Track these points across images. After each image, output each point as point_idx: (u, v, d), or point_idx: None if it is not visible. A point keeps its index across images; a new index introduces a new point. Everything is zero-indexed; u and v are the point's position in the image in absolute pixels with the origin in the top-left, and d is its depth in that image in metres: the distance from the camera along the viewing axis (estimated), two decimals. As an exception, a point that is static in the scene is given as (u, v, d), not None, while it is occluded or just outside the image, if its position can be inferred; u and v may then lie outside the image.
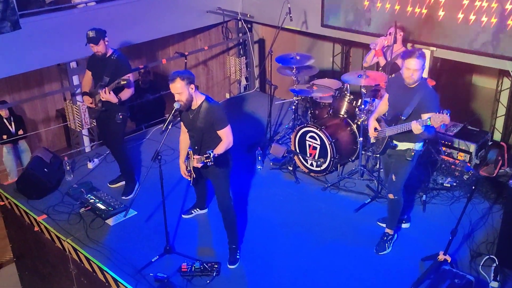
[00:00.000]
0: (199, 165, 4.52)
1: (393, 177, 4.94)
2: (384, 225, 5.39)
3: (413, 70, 4.52)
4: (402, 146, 4.80)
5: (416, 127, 4.44)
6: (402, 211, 5.29)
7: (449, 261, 4.69)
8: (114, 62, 5.63)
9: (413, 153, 4.77)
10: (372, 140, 5.13)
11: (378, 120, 4.98)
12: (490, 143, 6.58)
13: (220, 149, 4.59)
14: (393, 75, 5.33)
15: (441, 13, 6.58)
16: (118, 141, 5.98)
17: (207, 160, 4.39)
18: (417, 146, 4.80)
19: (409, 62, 4.52)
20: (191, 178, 4.92)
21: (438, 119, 4.28)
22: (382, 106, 5.07)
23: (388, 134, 4.79)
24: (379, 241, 5.15)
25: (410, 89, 4.65)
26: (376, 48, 6.22)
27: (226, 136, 4.68)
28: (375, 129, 4.94)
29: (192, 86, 4.56)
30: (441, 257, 4.69)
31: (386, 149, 4.90)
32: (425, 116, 4.45)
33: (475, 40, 6.41)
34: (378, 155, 5.62)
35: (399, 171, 4.91)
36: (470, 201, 4.71)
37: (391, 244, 5.15)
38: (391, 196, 5.01)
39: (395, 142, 4.82)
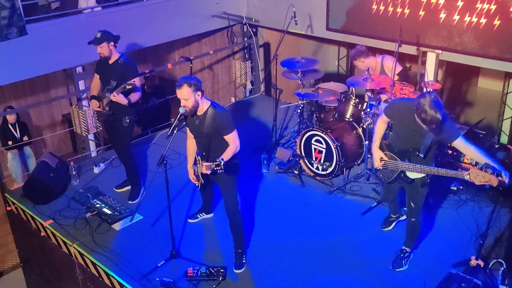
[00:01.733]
0: (208, 172, 4.52)
1: (412, 204, 4.77)
2: (389, 228, 5.40)
3: (437, 120, 4.05)
4: (415, 176, 4.57)
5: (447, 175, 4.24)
6: (401, 208, 5.34)
7: (482, 266, 4.62)
8: (121, 66, 5.65)
9: (428, 181, 4.55)
10: (377, 166, 4.80)
11: (381, 147, 4.72)
12: (496, 146, 6.55)
13: (228, 155, 4.60)
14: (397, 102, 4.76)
15: (442, 15, 6.56)
16: (125, 144, 6.00)
17: (218, 168, 4.38)
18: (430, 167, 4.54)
19: (432, 114, 4.01)
20: (199, 183, 4.92)
21: (483, 179, 3.92)
22: (381, 130, 4.76)
23: (402, 169, 4.54)
24: (396, 257, 5.01)
25: None
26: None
27: (233, 141, 4.68)
28: (381, 158, 4.69)
29: (199, 93, 4.56)
30: (473, 262, 4.63)
31: (397, 180, 4.68)
32: (456, 143, 4.21)
33: (480, 42, 6.39)
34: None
35: (416, 198, 4.74)
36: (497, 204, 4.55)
37: (408, 262, 4.99)
38: (412, 219, 4.87)
39: (408, 175, 4.57)
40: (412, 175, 4.55)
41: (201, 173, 4.75)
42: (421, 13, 6.78)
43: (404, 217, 5.45)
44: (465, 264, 4.71)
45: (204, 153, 4.77)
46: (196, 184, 4.99)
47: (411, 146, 4.46)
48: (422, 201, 4.76)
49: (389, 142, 4.75)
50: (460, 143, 4.27)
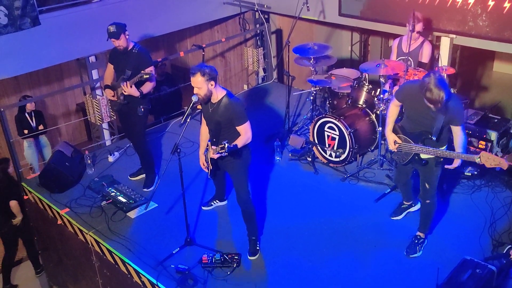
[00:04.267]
0: (216, 156, 4.55)
1: (426, 185, 4.79)
2: (399, 218, 5.39)
3: (442, 99, 4.14)
4: (429, 156, 4.61)
5: (458, 161, 4.36)
6: (414, 196, 5.31)
7: None
8: (135, 55, 5.67)
9: (441, 160, 4.59)
10: (391, 149, 4.89)
11: (394, 130, 4.79)
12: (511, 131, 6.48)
13: (238, 142, 4.61)
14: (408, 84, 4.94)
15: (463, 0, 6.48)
16: (139, 133, 6.03)
17: (222, 151, 4.42)
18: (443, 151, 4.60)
19: (436, 93, 4.11)
20: (208, 170, 4.94)
21: (493, 162, 4.00)
22: (393, 114, 4.84)
23: (416, 151, 4.59)
24: (410, 244, 5.02)
25: None
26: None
27: (245, 132, 4.69)
28: (395, 141, 4.77)
29: (212, 82, 4.57)
30: None
31: (411, 162, 4.73)
32: (455, 129, 4.37)
33: (495, 26, 6.30)
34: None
35: (430, 179, 4.76)
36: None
37: (422, 248, 4.99)
38: (427, 201, 4.88)
39: (423, 157, 4.62)
40: (425, 156, 4.61)
41: (211, 159, 4.77)
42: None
43: (415, 208, 5.44)
44: (505, 256, 4.67)
45: (214, 140, 4.79)
46: (206, 171, 5.01)
47: (423, 129, 4.50)
48: (437, 181, 4.78)
49: (402, 125, 4.78)
50: (458, 131, 4.42)
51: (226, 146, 4.41)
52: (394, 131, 4.80)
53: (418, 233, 5.06)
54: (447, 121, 4.39)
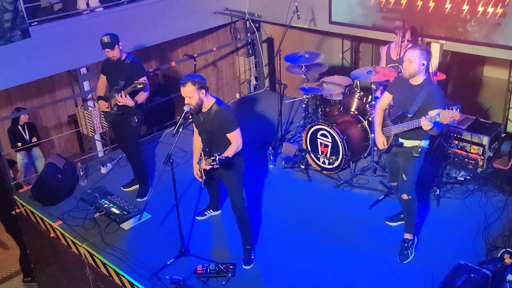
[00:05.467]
0: (208, 167, 4.54)
1: (403, 176, 4.85)
2: (393, 224, 5.36)
3: (407, 60, 4.52)
4: (408, 143, 4.74)
5: (425, 123, 4.37)
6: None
7: None
8: (128, 65, 5.67)
9: (420, 149, 4.70)
10: (381, 148, 5.04)
11: (383, 120, 4.96)
12: (503, 135, 6.51)
13: (228, 153, 4.61)
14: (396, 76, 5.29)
15: (448, 5, 6.53)
16: (133, 144, 6.02)
17: (214, 163, 4.42)
18: (424, 143, 4.73)
19: (407, 52, 4.57)
20: (201, 179, 4.93)
21: (448, 115, 4.23)
22: (379, 116, 5.00)
23: (394, 132, 4.74)
24: (400, 249, 5.00)
25: (414, 87, 4.62)
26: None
27: (235, 140, 4.69)
28: (387, 144, 4.91)
29: (203, 91, 4.58)
30: (508, 260, 4.59)
31: (392, 147, 4.84)
32: (433, 112, 4.40)
33: (485, 31, 6.35)
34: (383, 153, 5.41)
35: (408, 169, 4.82)
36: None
37: (414, 250, 4.99)
38: (405, 196, 4.90)
39: (400, 140, 4.76)
40: (402, 140, 4.76)
41: (204, 170, 4.77)
42: (419, 3, 6.75)
43: None
44: (499, 260, 4.66)
45: (207, 149, 4.80)
46: (199, 181, 5.00)
47: (403, 110, 4.67)
48: (415, 175, 4.84)
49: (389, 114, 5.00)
50: (433, 113, 4.45)
51: (217, 159, 4.41)
52: (384, 120, 4.97)
53: (405, 235, 5.05)
54: (425, 104, 4.51)
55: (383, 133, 4.92)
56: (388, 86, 5.08)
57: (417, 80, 4.62)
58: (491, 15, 6.24)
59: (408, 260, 4.95)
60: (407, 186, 4.87)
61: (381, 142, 4.94)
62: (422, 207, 5.66)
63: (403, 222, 5.22)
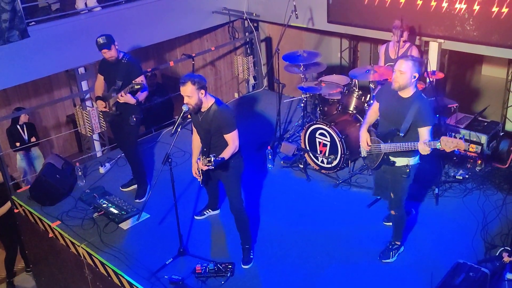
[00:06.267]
0: (204, 168, 4.55)
1: (392, 194, 4.74)
2: (389, 224, 5.28)
3: (398, 71, 4.27)
4: (399, 161, 4.56)
5: (424, 148, 4.20)
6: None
7: None
8: (125, 65, 5.66)
9: (408, 170, 4.54)
10: (364, 154, 4.85)
11: (368, 131, 4.71)
12: (501, 134, 6.52)
13: (225, 154, 4.60)
14: (384, 83, 5.10)
15: (444, 4, 6.54)
16: (132, 143, 6.01)
17: (209, 164, 4.41)
18: (413, 160, 4.57)
19: (397, 64, 4.30)
20: (200, 178, 4.93)
21: (451, 144, 4.00)
22: (372, 115, 4.82)
23: (385, 150, 4.53)
24: (384, 249, 4.99)
25: (403, 100, 4.40)
26: None
27: (232, 141, 4.68)
28: (369, 142, 4.68)
29: (203, 91, 4.58)
30: (506, 259, 4.59)
31: (382, 165, 4.66)
32: (422, 130, 4.29)
33: (482, 30, 6.36)
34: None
35: (397, 188, 4.70)
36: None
37: (396, 254, 4.96)
38: (393, 212, 4.85)
39: (392, 159, 4.56)
40: (394, 159, 4.57)
41: (201, 169, 4.76)
42: (418, 2, 6.75)
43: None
44: (498, 259, 4.67)
45: (205, 149, 4.79)
46: (198, 180, 4.99)
47: (393, 127, 4.46)
48: (404, 193, 4.70)
49: (376, 127, 4.79)
50: (425, 131, 4.33)
51: (212, 160, 4.41)
52: (369, 133, 4.73)
53: (393, 240, 5.02)
54: (415, 121, 4.34)
55: (371, 150, 4.69)
56: (376, 93, 4.91)
57: (407, 93, 4.39)
58: (489, 13, 6.25)
59: (388, 260, 4.93)
60: (395, 204, 4.78)
61: (364, 140, 4.68)
62: (421, 206, 5.68)
63: None
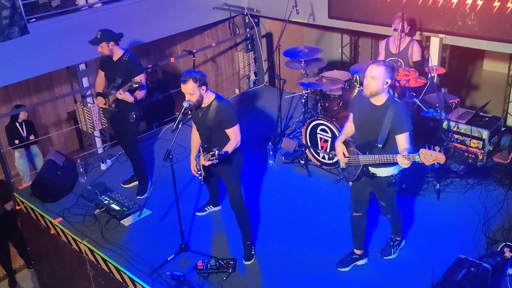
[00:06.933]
0: (207, 163, 4.54)
1: (382, 203, 4.60)
2: (345, 269, 4.90)
3: (369, 77, 4.07)
4: (380, 172, 4.36)
5: (403, 161, 3.95)
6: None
7: None
8: (126, 63, 5.65)
9: (393, 180, 4.37)
10: (342, 166, 4.66)
11: (345, 143, 4.47)
12: (503, 129, 6.51)
13: (228, 148, 4.60)
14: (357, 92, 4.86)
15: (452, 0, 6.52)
16: (132, 140, 6.01)
17: (213, 158, 4.40)
18: (397, 169, 4.36)
19: (368, 70, 4.09)
20: (201, 176, 4.93)
21: (431, 157, 3.80)
22: (349, 127, 4.55)
23: (363, 162, 4.30)
24: (385, 246, 4.97)
25: (377, 108, 4.19)
26: None
27: (234, 136, 4.68)
28: (345, 154, 4.43)
29: (204, 87, 4.57)
30: (508, 254, 4.58)
31: (361, 177, 4.43)
32: (400, 138, 4.12)
33: (484, 25, 6.34)
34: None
35: (384, 197, 4.56)
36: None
37: (398, 250, 4.95)
38: (388, 216, 4.75)
39: (372, 170, 4.37)
40: (374, 170, 4.36)
41: (203, 166, 4.76)
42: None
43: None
44: (499, 254, 4.65)
45: (206, 145, 4.78)
46: (196, 176, 4.98)
47: (370, 137, 4.25)
48: (393, 199, 4.59)
49: (352, 138, 4.54)
50: (403, 138, 4.13)
51: (216, 153, 4.39)
52: (346, 144, 4.47)
53: (393, 236, 4.98)
54: (392, 129, 4.14)
55: (349, 162, 4.44)
56: (350, 104, 4.69)
57: (379, 100, 4.19)
58: (491, 8, 6.23)
59: (390, 257, 4.91)
60: (387, 210, 4.66)
61: (340, 152, 4.42)
62: (422, 201, 5.67)
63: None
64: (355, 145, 4.39)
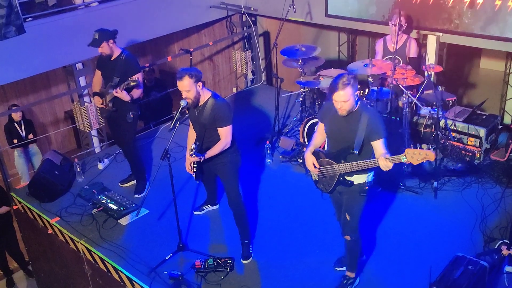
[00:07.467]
0: (192, 159, 4.59)
1: (347, 216, 4.35)
2: (342, 269, 4.77)
3: (340, 102, 3.96)
4: (355, 179, 4.21)
5: (385, 164, 3.82)
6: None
7: None
8: (123, 62, 5.64)
9: (366, 188, 4.22)
10: (314, 178, 4.44)
11: (315, 154, 4.32)
12: (500, 127, 6.52)
13: (215, 150, 4.61)
14: (326, 101, 4.66)
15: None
16: (129, 140, 6.00)
17: (191, 153, 4.49)
18: (371, 176, 4.24)
19: (336, 96, 3.94)
20: (193, 173, 4.90)
21: (419, 156, 3.69)
22: (318, 137, 4.43)
23: (339, 171, 4.16)
24: (339, 284, 4.62)
25: (349, 115, 4.07)
26: None
27: (225, 136, 4.66)
28: (315, 165, 4.28)
29: (200, 83, 4.56)
30: (505, 252, 4.58)
31: (337, 186, 4.28)
32: (376, 144, 4.00)
33: (481, 23, 6.35)
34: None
35: (353, 209, 4.33)
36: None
37: None
38: (347, 237, 4.43)
39: (348, 178, 4.20)
40: (351, 178, 4.21)
41: (194, 162, 4.73)
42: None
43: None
44: (497, 252, 4.66)
45: (198, 143, 4.77)
46: (191, 174, 4.95)
47: (345, 145, 4.12)
48: (359, 213, 4.35)
49: (326, 149, 4.43)
50: (379, 144, 4.03)
51: (193, 148, 4.48)
52: (317, 155, 4.32)
53: (347, 272, 4.64)
54: (367, 135, 4.02)
55: (323, 173, 4.30)
56: (319, 114, 4.53)
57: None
58: (487, 6, 6.23)
59: None
60: (351, 227, 4.38)
61: (311, 163, 4.28)
62: (420, 199, 5.68)
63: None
64: (326, 154, 4.27)
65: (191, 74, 4.50)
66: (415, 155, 3.71)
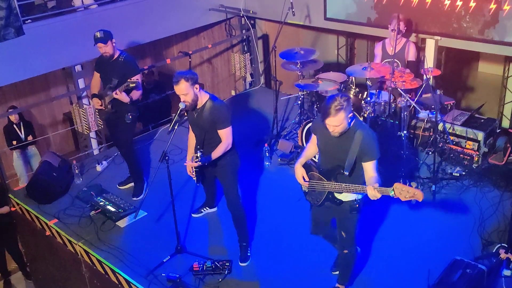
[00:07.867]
0: (194, 165, 4.58)
1: (343, 233, 4.28)
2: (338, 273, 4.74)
3: (333, 126, 3.86)
4: (346, 197, 4.13)
5: (373, 194, 3.71)
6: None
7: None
8: (122, 63, 5.65)
9: (357, 205, 4.13)
10: (304, 189, 4.37)
11: (307, 166, 4.26)
12: (498, 131, 6.53)
13: (218, 152, 4.61)
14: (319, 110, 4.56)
15: (447, 2, 6.54)
16: (127, 141, 6.00)
17: (196, 160, 4.47)
18: (360, 194, 4.12)
19: (329, 121, 3.83)
20: (194, 177, 4.91)
21: (408, 193, 3.58)
22: (311, 148, 4.34)
23: (329, 189, 4.09)
24: None
25: (343, 133, 3.95)
26: None
27: (225, 137, 4.67)
28: (305, 178, 4.22)
29: (197, 86, 4.56)
30: (503, 255, 4.58)
31: (326, 201, 4.19)
32: (367, 165, 3.92)
33: (479, 27, 6.36)
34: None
35: (347, 227, 4.26)
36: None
37: None
38: (345, 251, 4.39)
39: (338, 196, 4.12)
40: (340, 196, 4.14)
41: (195, 167, 4.75)
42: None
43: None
44: (495, 256, 4.67)
45: (198, 146, 4.77)
46: (193, 178, 4.98)
47: (336, 164, 4.03)
48: (355, 228, 4.27)
49: (318, 162, 4.40)
50: (370, 166, 3.94)
51: (199, 156, 4.45)
52: (308, 168, 4.26)
53: (337, 285, 4.62)
54: (359, 155, 3.92)
55: (313, 186, 4.23)
56: (312, 126, 4.41)
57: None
58: (485, 11, 6.25)
59: None
60: (348, 242, 4.33)
61: (300, 175, 4.21)
62: (418, 202, 5.66)
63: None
64: (319, 169, 4.20)
65: (186, 77, 4.50)
66: (403, 192, 3.61)
